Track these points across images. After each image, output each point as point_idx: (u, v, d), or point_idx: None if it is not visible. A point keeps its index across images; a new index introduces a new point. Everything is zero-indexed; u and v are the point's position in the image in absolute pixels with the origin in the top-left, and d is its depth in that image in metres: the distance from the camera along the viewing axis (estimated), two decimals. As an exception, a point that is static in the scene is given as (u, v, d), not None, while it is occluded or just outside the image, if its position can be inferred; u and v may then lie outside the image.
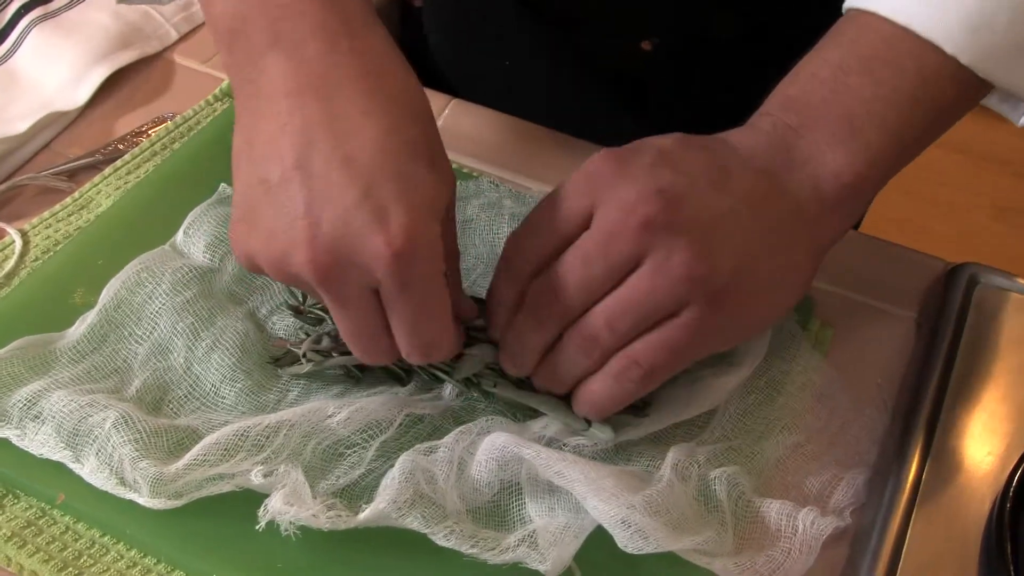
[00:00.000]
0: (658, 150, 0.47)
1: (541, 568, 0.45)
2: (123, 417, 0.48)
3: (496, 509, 0.49)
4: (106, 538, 0.48)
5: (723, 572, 0.47)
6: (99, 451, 0.48)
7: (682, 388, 0.52)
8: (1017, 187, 2.18)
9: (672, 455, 0.49)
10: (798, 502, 0.50)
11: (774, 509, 0.49)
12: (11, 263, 0.59)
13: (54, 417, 0.49)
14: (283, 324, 0.56)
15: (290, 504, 0.46)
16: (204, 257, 0.58)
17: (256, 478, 0.47)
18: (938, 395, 0.53)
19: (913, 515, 0.48)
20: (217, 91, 0.71)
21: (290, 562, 0.47)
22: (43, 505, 0.49)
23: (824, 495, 0.51)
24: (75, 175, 0.66)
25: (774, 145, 0.48)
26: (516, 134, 0.71)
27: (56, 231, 0.61)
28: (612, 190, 0.45)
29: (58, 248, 0.60)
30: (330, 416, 0.49)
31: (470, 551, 0.46)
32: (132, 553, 0.48)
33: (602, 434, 0.50)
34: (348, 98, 0.44)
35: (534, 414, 0.52)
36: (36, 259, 0.60)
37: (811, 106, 0.49)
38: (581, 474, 0.46)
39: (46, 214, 0.62)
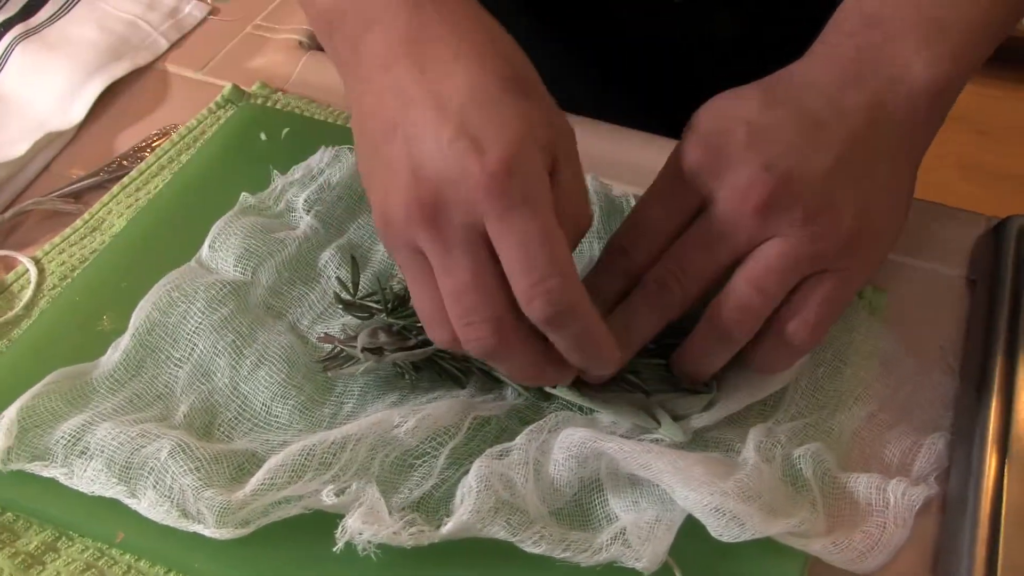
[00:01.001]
0: (746, 124, 0.46)
1: (638, 566, 0.43)
2: (179, 445, 0.45)
3: (578, 509, 0.47)
4: (172, 574, 0.45)
5: (821, 553, 0.45)
6: (157, 483, 0.45)
7: (749, 370, 0.50)
8: (981, 144, 2.19)
9: (753, 437, 0.48)
10: (881, 474, 0.48)
11: (862, 483, 0.48)
12: (28, 293, 0.56)
13: (103, 451, 0.46)
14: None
15: (368, 522, 0.43)
16: (235, 271, 0.55)
17: (328, 498, 0.44)
18: (1009, 349, 0.52)
19: (1006, 475, 0.47)
20: (219, 98, 0.68)
21: (370, 581, 0.44)
22: (101, 545, 0.46)
23: (906, 464, 0.50)
24: (81, 196, 0.63)
25: (862, 70, 0.47)
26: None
27: (71, 256, 0.58)
28: (718, 179, 0.46)
29: (76, 273, 0.57)
30: (396, 426, 0.47)
31: (562, 555, 0.44)
32: (205, 588, 0.45)
33: (673, 434, 0.48)
34: (437, 51, 0.44)
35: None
36: (54, 287, 0.57)
37: (895, 18, 0.48)
38: (669, 464, 0.44)
39: (57, 239, 0.59)
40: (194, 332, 0.52)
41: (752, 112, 0.47)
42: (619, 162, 0.64)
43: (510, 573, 0.45)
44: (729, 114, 0.47)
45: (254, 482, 0.44)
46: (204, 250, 0.56)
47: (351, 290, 0.52)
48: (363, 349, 0.50)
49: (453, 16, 0.45)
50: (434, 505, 0.46)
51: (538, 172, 0.42)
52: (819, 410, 0.51)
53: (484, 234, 0.42)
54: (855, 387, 0.52)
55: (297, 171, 0.61)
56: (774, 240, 0.45)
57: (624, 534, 0.44)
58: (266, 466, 0.45)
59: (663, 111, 0.68)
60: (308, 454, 0.45)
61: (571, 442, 0.46)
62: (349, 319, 0.53)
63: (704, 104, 0.49)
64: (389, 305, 0.50)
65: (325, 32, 0.49)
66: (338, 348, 0.51)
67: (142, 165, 0.64)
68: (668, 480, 0.44)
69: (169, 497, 0.45)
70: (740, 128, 0.46)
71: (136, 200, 0.62)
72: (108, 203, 0.61)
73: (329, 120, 0.67)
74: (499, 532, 0.44)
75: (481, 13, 0.46)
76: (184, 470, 0.45)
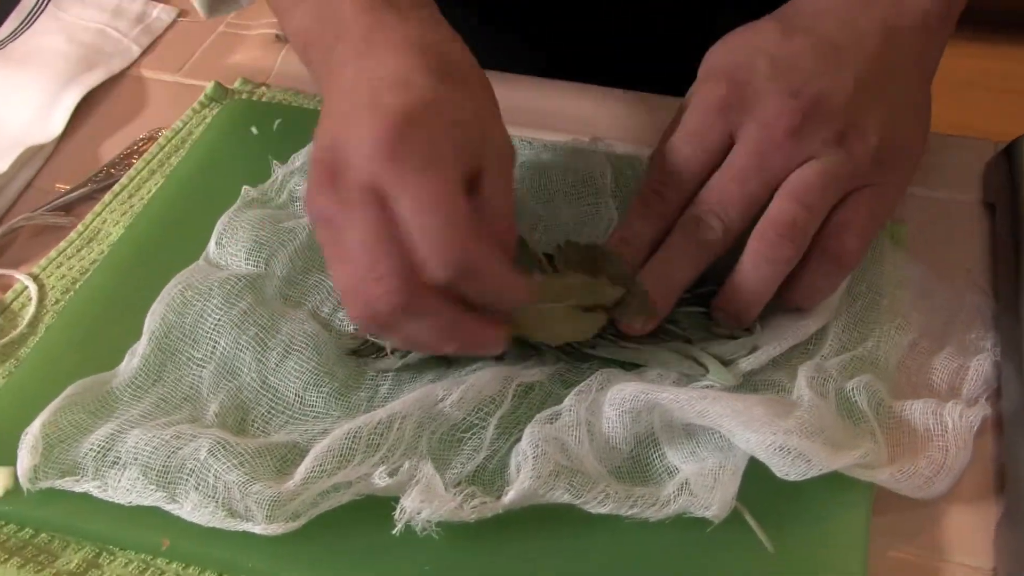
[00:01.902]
0: (768, 56, 0.47)
1: (707, 514, 0.42)
2: (218, 442, 0.44)
3: (636, 465, 0.45)
4: (227, 578, 0.44)
5: (888, 482, 0.44)
6: (199, 484, 0.43)
7: (791, 313, 0.49)
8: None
9: (803, 374, 0.47)
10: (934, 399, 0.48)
11: (917, 410, 0.47)
12: (31, 310, 0.54)
13: (137, 458, 0.44)
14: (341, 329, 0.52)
15: (427, 500, 0.42)
16: (248, 264, 0.53)
17: (380, 480, 0.43)
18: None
19: (1060, 387, 0.46)
20: (203, 98, 0.66)
21: (436, 562, 0.42)
22: (146, 557, 0.44)
23: (955, 388, 0.49)
24: (72, 208, 0.61)
25: None
26: (514, 90, 0.67)
27: (70, 269, 0.56)
28: (746, 113, 0.46)
29: (78, 286, 0.55)
30: (441, 400, 0.45)
31: (630, 512, 0.42)
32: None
33: (723, 379, 0.47)
34: (381, 50, 0.44)
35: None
36: (56, 301, 0.54)
37: None
38: (727, 408, 0.43)
39: (53, 254, 0.57)
40: (214, 330, 0.50)
41: (771, 43, 0.47)
42: (616, 124, 0.63)
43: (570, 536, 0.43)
44: (748, 47, 0.47)
45: (302, 471, 0.43)
46: (211, 247, 0.54)
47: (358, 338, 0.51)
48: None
49: (406, 21, 0.45)
50: (488, 477, 0.45)
51: (439, 137, 0.41)
52: (862, 342, 0.50)
53: (382, 195, 0.40)
54: (894, 317, 0.51)
55: (297, 159, 0.59)
56: (810, 162, 0.45)
57: (688, 485, 0.43)
58: (312, 454, 0.43)
59: (658, 67, 0.67)
60: (354, 437, 0.44)
61: (622, 398, 0.45)
62: None
63: (719, 41, 0.49)
64: None
65: (302, 52, 0.51)
66: (367, 341, 0.50)
67: (131, 171, 0.62)
68: (728, 424, 0.43)
69: (213, 497, 0.43)
70: (761, 60, 0.47)
71: (130, 207, 0.59)
72: (101, 213, 0.59)
73: (319, 108, 0.65)
74: (562, 496, 0.43)
75: (433, 15, 0.47)
76: (227, 467, 0.43)
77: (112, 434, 0.45)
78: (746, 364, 0.47)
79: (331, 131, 0.43)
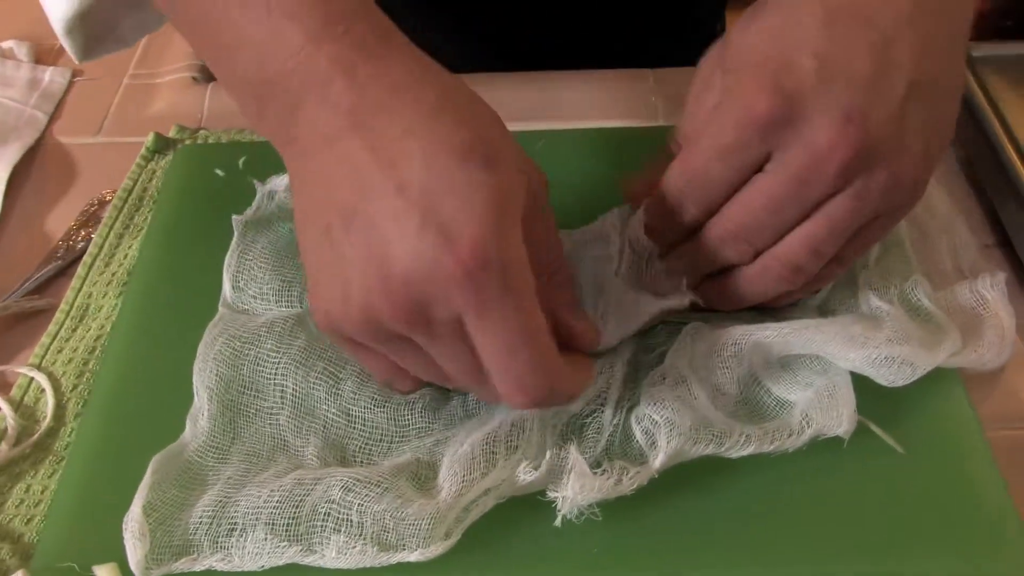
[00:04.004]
0: (814, 55, 0.41)
1: (840, 431, 0.43)
2: (351, 478, 0.41)
3: (747, 407, 0.46)
4: (386, 616, 0.41)
5: (973, 363, 0.47)
6: (339, 526, 0.40)
7: None
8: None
9: (867, 287, 0.49)
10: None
11: (958, 294, 0.50)
12: (48, 401, 0.49)
13: (259, 518, 0.41)
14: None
15: (586, 485, 0.41)
16: (279, 307, 0.50)
17: (525, 476, 0.42)
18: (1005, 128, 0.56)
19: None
20: (144, 151, 0.62)
21: (600, 545, 0.42)
22: (297, 617, 0.41)
23: (958, 266, 0.53)
24: (43, 290, 0.55)
25: None
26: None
27: (74, 351, 0.51)
28: (792, 131, 0.41)
29: (91, 366, 0.50)
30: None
31: (771, 448, 0.43)
32: (429, 617, 0.41)
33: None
34: (382, 123, 0.38)
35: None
36: (74, 387, 0.50)
37: None
38: (830, 333, 0.44)
39: (46, 339, 0.52)
40: (277, 374, 0.46)
41: (814, 34, 0.42)
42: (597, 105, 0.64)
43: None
44: (789, 39, 0.42)
45: (450, 482, 0.41)
46: (227, 292, 0.51)
47: None
48: None
49: (390, 74, 0.39)
50: (619, 451, 0.44)
51: (514, 253, 0.37)
52: (886, 253, 0.52)
53: (462, 325, 0.38)
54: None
55: (276, 179, 0.56)
56: (844, 196, 0.42)
57: (807, 413, 0.44)
58: (450, 464, 0.42)
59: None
60: (493, 440, 0.42)
61: (724, 343, 0.45)
62: None
63: (749, 19, 0.44)
64: None
65: (253, 107, 0.41)
66: None
67: (96, 239, 0.57)
68: (832, 348, 0.45)
69: (360, 535, 0.40)
70: (807, 60, 0.41)
71: (112, 275, 0.55)
72: (82, 287, 0.54)
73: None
74: (706, 448, 0.43)
75: (422, 63, 0.40)
76: (371, 497, 0.40)
77: (218, 501, 0.42)
78: (813, 300, 0.49)
79: (374, 245, 0.37)
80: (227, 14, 0.40)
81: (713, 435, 0.43)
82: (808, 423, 0.44)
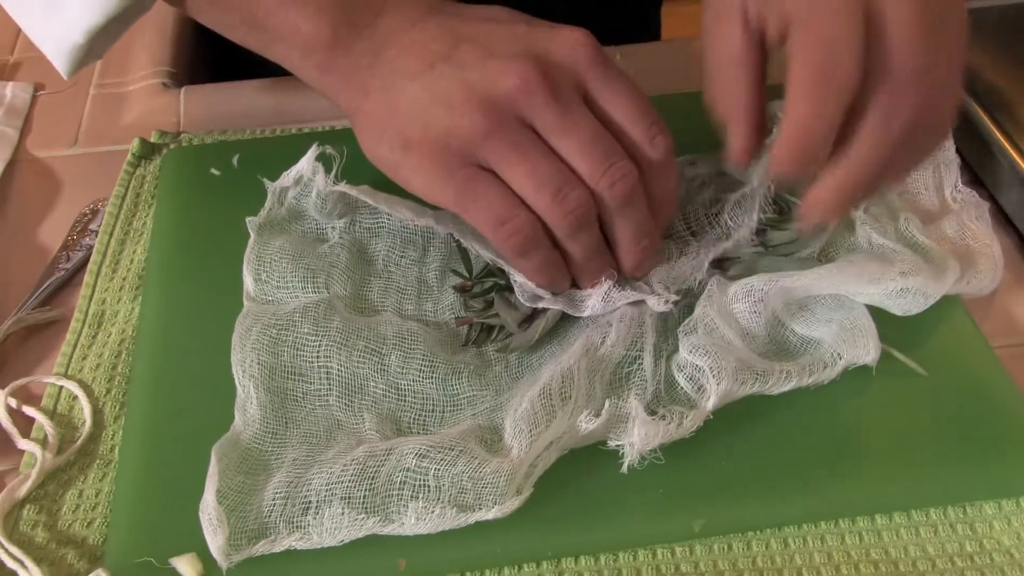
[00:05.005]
0: None
1: (868, 359, 0.46)
2: (425, 444, 0.42)
3: (776, 346, 0.48)
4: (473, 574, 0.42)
5: (974, 290, 0.51)
6: (418, 491, 0.41)
7: None
8: None
9: (860, 231, 0.52)
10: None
11: (944, 226, 0.53)
12: (84, 407, 0.48)
13: (334, 492, 0.42)
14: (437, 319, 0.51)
15: (650, 431, 0.43)
16: (306, 294, 0.50)
17: (587, 424, 0.43)
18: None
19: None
20: (130, 157, 0.61)
21: (666, 485, 0.44)
22: (384, 587, 0.42)
23: (943, 200, 0.56)
24: (52, 300, 0.54)
25: None
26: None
27: (99, 356, 0.51)
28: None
29: (119, 369, 0.50)
30: (601, 345, 0.46)
31: (810, 381, 0.46)
32: (513, 571, 0.42)
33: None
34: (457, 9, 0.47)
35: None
36: (107, 391, 0.49)
37: None
38: (850, 273, 0.47)
39: (67, 348, 0.51)
40: (320, 356, 0.47)
41: None
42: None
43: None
44: None
45: (518, 437, 0.42)
46: (250, 286, 0.51)
47: (467, 275, 0.51)
48: (519, 324, 0.49)
49: None
50: (665, 400, 0.46)
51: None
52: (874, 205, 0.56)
53: (587, 95, 0.45)
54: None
55: (288, 176, 0.56)
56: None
57: (835, 347, 0.47)
58: (515, 423, 0.43)
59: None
60: (546, 395, 0.43)
61: (748, 289, 0.48)
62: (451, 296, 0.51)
63: None
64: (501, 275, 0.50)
65: (312, 43, 0.48)
66: (477, 326, 0.49)
67: (98, 247, 0.56)
68: (853, 286, 0.47)
69: (438, 499, 0.41)
70: None
71: (124, 280, 0.54)
72: (92, 295, 0.53)
73: (259, 135, 0.63)
74: (753, 387, 0.45)
75: None
76: (446, 461, 0.41)
77: (289, 483, 0.42)
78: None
79: (485, 54, 0.44)
80: None
81: (756, 374, 0.45)
82: (839, 355, 0.46)
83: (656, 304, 0.48)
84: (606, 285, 0.48)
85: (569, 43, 0.45)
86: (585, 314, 0.48)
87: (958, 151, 0.57)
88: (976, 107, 0.59)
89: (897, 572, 0.42)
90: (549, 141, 0.44)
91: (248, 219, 0.54)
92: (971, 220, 0.53)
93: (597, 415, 0.43)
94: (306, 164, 0.54)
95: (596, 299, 0.48)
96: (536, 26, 0.46)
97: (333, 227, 0.54)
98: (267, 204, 0.55)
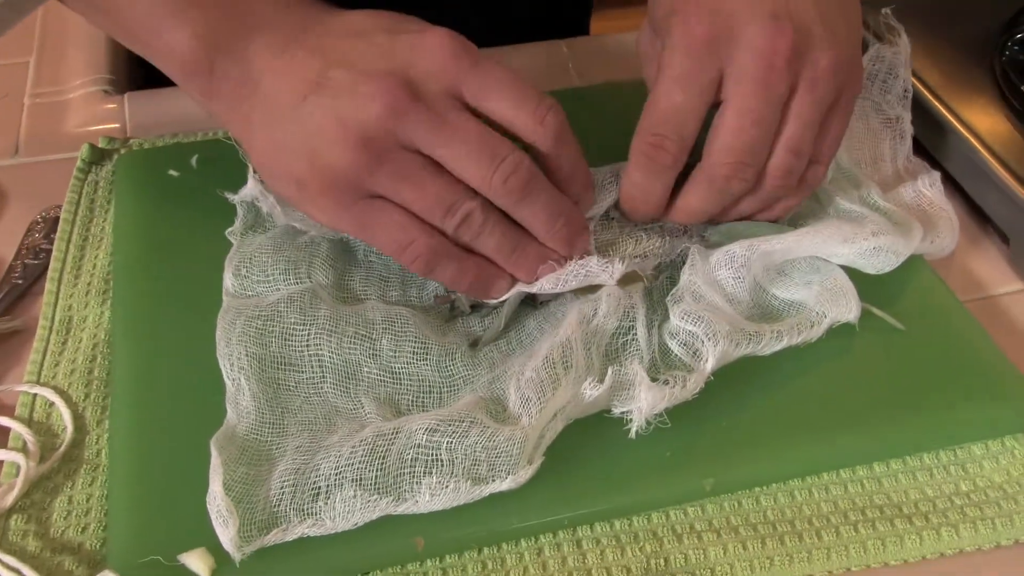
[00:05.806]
0: None
1: (850, 317, 0.48)
2: (434, 419, 0.41)
3: (759, 310, 0.49)
4: (489, 551, 0.42)
5: (936, 250, 0.53)
6: (431, 468, 0.41)
7: None
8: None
9: (826, 201, 0.54)
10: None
11: (904, 193, 0.55)
12: (63, 413, 0.46)
13: (344, 476, 0.41)
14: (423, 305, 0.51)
15: (657, 395, 0.43)
16: (288, 286, 0.49)
17: (592, 391, 0.43)
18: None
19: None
20: (80, 163, 0.59)
21: (673, 447, 0.44)
22: (402, 569, 0.41)
23: (900, 171, 0.59)
24: (12, 309, 0.52)
25: None
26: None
27: (70, 361, 0.49)
28: (732, 44, 0.45)
29: (95, 374, 0.48)
30: (593, 316, 0.46)
31: (799, 340, 0.47)
32: (530, 543, 0.42)
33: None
34: (323, 30, 0.45)
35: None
36: (86, 396, 0.47)
37: None
38: (825, 236, 0.48)
39: (35, 356, 0.49)
40: (310, 345, 0.46)
41: None
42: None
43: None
44: None
45: (526, 406, 0.42)
46: (230, 285, 0.50)
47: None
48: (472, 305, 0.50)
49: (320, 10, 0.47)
50: (661, 367, 0.47)
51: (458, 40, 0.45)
52: (832, 179, 0.57)
53: (462, 97, 0.44)
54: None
55: (246, 191, 0.54)
56: (801, 93, 0.46)
57: (819, 308, 0.48)
58: (520, 390, 0.43)
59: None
60: (550, 364, 0.43)
61: (731, 257, 0.49)
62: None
63: None
64: None
65: (191, 68, 0.47)
66: (452, 302, 0.49)
67: (56, 253, 0.54)
68: (829, 248, 0.49)
69: (452, 473, 0.41)
70: None
71: (88, 285, 0.52)
72: (56, 302, 0.51)
73: (211, 137, 0.61)
74: (747, 348, 0.46)
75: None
76: (458, 434, 0.41)
77: (295, 470, 0.41)
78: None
79: (354, 76, 0.43)
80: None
81: (749, 335, 0.46)
82: (824, 314, 0.48)
83: (607, 278, 0.47)
84: (553, 273, 0.47)
85: (433, 48, 0.44)
86: (535, 290, 0.48)
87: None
88: (921, 87, 0.61)
89: (902, 515, 0.43)
90: (433, 156, 0.44)
91: (227, 231, 0.52)
92: (925, 188, 0.56)
93: (601, 383, 0.43)
94: (252, 184, 0.52)
95: (547, 282, 0.47)
96: (398, 34, 0.44)
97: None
98: (239, 213, 0.53)
